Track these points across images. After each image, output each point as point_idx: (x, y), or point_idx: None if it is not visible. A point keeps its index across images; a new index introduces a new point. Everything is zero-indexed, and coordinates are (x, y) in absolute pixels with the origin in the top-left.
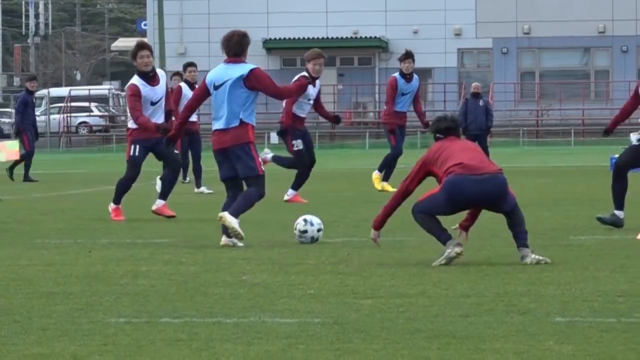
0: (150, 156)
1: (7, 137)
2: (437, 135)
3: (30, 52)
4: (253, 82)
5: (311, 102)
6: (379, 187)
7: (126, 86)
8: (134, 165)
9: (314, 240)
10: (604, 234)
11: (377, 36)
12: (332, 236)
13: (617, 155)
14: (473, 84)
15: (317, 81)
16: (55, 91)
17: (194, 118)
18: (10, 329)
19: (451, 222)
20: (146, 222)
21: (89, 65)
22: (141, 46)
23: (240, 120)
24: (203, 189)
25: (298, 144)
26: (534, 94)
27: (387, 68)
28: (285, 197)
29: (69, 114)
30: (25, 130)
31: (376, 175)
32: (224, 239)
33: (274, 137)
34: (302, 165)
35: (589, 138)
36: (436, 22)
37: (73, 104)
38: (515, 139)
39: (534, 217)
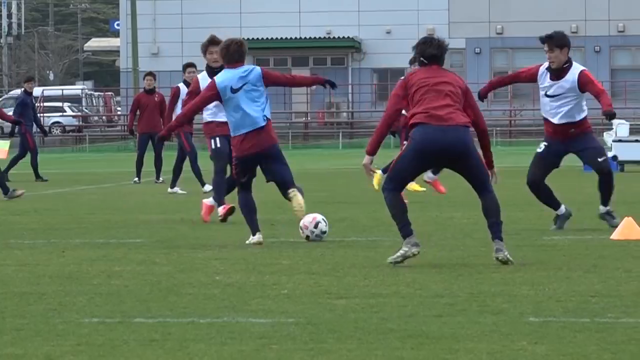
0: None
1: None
2: (422, 59)
3: (3, 52)
4: (268, 79)
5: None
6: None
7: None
8: (220, 158)
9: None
10: (577, 234)
11: (350, 36)
12: None
13: None
14: None
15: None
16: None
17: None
18: None
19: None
20: (119, 222)
21: (62, 65)
22: (212, 41)
23: (266, 117)
24: (177, 189)
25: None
26: (507, 94)
27: (360, 68)
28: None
29: (42, 114)
30: (27, 131)
31: (380, 175)
32: (258, 237)
33: None
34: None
35: None
36: (409, 22)
37: (46, 104)
38: None
39: (507, 218)
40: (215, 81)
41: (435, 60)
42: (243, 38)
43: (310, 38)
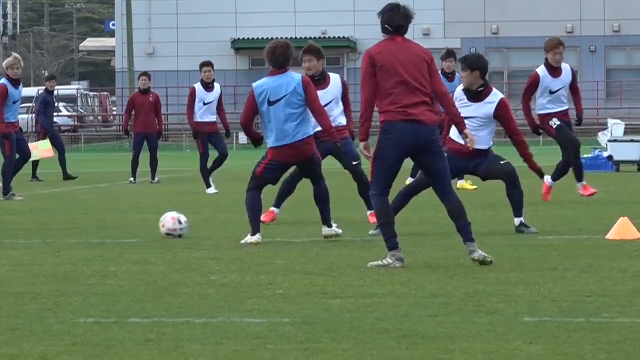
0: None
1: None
2: (387, 27)
3: None
4: (306, 90)
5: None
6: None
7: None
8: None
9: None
10: (572, 234)
11: (346, 36)
12: (301, 236)
13: (587, 156)
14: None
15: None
16: (24, 91)
17: (213, 119)
18: None
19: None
20: (115, 222)
21: (58, 66)
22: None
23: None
24: (212, 189)
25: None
26: (502, 94)
27: (356, 68)
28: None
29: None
30: (51, 129)
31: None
32: (257, 237)
33: (243, 138)
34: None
35: None
36: None
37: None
38: None
39: (501, 218)
40: (252, 92)
41: (402, 31)
42: (238, 38)
43: (305, 38)
